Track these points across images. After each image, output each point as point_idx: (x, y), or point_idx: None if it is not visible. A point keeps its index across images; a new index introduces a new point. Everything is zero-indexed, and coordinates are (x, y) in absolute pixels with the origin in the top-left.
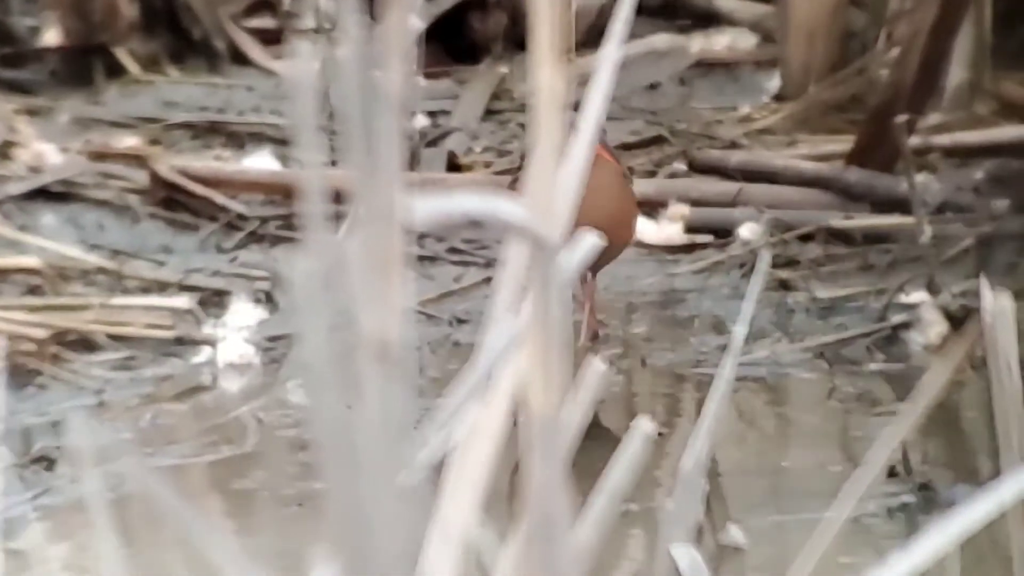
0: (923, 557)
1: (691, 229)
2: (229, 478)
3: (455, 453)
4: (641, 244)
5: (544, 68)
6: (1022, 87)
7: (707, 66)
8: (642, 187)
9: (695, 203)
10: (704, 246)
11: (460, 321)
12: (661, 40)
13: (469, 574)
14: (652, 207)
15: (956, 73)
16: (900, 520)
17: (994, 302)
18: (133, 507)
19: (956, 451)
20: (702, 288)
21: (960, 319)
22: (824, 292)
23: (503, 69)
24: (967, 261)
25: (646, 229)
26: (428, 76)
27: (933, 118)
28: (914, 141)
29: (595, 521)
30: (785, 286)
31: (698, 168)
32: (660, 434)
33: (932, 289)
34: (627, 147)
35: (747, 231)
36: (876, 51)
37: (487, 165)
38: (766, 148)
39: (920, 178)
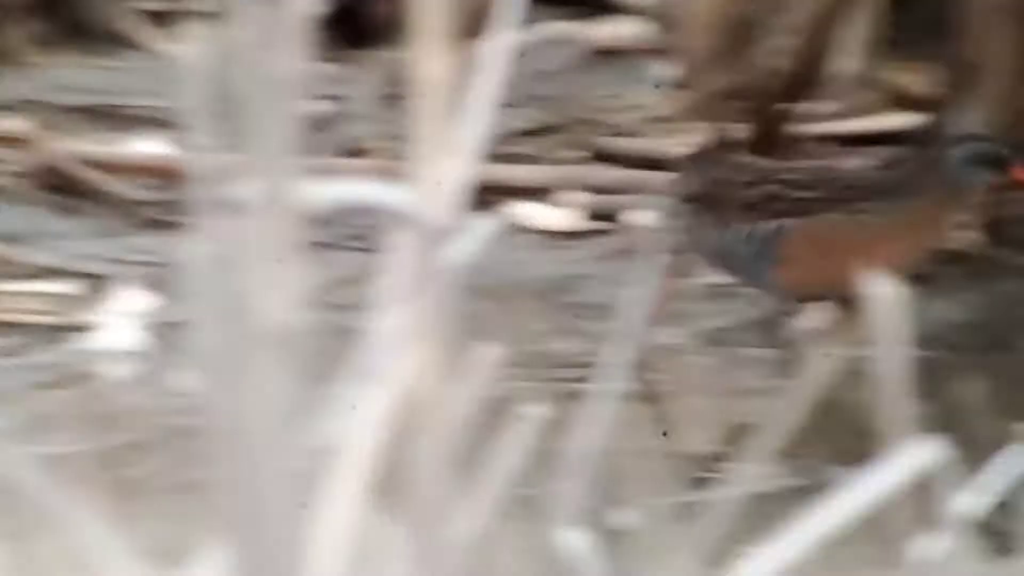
0: (805, 540)
1: (587, 217)
2: (115, 467)
3: (343, 441)
4: (535, 231)
5: (426, 55)
6: (915, 76)
7: (603, 54)
8: (537, 175)
9: (592, 190)
10: (599, 233)
11: (350, 308)
12: (557, 28)
13: (356, 563)
14: (547, 195)
15: (849, 62)
16: (784, 503)
17: (879, 285)
18: (11, 499)
19: (839, 435)
20: (596, 275)
21: (844, 302)
22: (713, 277)
23: (401, 54)
24: None
25: (541, 216)
26: (325, 60)
27: (825, 106)
28: (806, 129)
29: (480, 508)
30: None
31: (594, 156)
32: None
33: None
34: (522, 135)
35: (642, 218)
36: (771, 40)
37: (384, 151)
38: (662, 136)
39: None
